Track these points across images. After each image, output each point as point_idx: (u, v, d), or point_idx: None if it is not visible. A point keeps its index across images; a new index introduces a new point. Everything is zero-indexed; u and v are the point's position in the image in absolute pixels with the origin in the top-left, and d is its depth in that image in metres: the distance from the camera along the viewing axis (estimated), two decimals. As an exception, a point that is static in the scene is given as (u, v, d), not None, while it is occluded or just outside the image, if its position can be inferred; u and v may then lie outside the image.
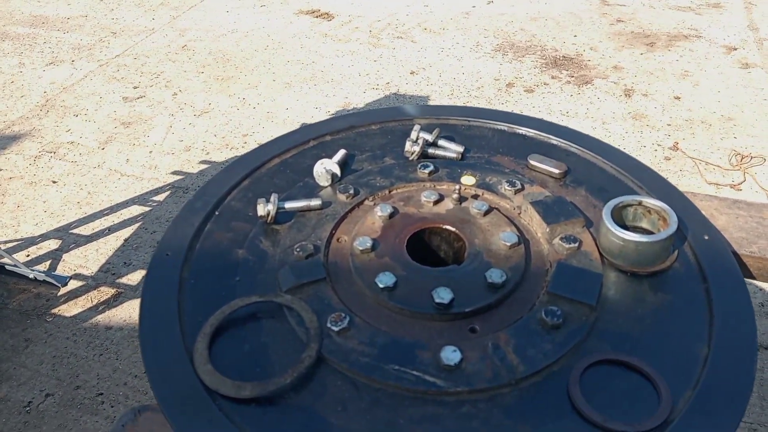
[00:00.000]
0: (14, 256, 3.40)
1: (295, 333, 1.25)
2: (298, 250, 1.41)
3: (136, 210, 3.93)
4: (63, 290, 3.33)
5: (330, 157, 1.70)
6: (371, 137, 1.86)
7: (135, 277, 3.43)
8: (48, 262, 3.55)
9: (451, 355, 1.15)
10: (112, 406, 2.77)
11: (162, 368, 1.18)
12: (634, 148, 4.32)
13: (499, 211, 1.53)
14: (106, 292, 3.34)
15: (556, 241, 1.42)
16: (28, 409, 2.78)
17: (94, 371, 2.93)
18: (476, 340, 1.21)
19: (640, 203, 1.44)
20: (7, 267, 3.27)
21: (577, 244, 1.40)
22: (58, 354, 3.01)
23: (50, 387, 2.86)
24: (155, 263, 1.41)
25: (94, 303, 3.29)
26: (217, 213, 1.57)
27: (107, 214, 3.90)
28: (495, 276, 1.30)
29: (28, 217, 3.86)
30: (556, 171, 1.67)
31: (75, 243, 3.68)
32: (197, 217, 1.54)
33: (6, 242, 3.67)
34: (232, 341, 1.24)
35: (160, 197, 4.03)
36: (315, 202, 1.54)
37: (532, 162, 1.70)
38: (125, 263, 3.51)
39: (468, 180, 1.64)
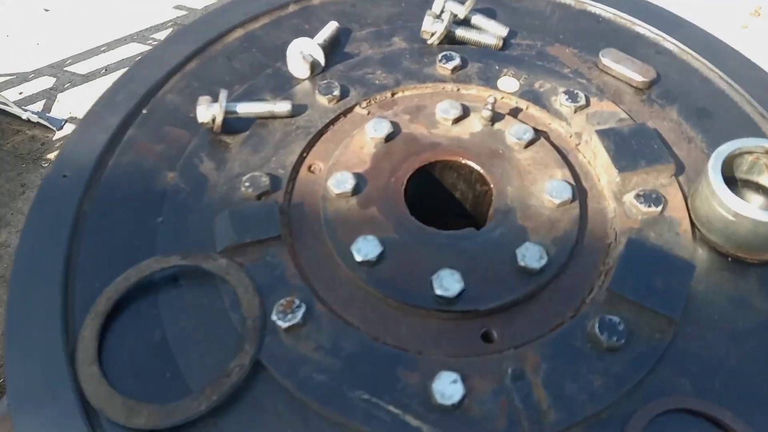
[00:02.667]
0: (6, 92, 3.05)
1: (230, 318, 0.86)
2: (247, 184, 0.97)
3: (134, 48, 3.45)
4: (58, 134, 2.99)
5: (314, 33, 1.18)
6: (377, 4, 1.30)
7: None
8: (42, 102, 3.19)
9: (449, 388, 0.76)
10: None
11: (26, 367, 0.82)
12: (701, 9, 3.50)
13: (547, 139, 1.04)
14: (102, 137, 3.01)
15: (630, 198, 0.95)
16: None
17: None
18: (490, 359, 0.81)
19: (767, 151, 0.94)
20: None
21: (660, 207, 0.94)
22: (55, 200, 2.78)
23: (48, 235, 2.67)
24: (44, 189, 0.99)
25: (90, 148, 2.97)
26: (144, 111, 1.11)
27: (104, 51, 3.44)
28: (530, 257, 0.86)
29: (20, 49, 3.42)
30: (640, 78, 1.14)
31: (70, 82, 3.27)
32: (115, 117, 1.08)
33: (-5, 76, 3.29)
34: (137, 325, 0.86)
35: (161, 35, 3.52)
36: (281, 107, 1.06)
37: (604, 60, 1.16)
38: (123, 105, 3.12)
39: (508, 84, 1.13)
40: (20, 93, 3.21)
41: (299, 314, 0.83)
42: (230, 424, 0.78)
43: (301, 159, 1.03)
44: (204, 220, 0.97)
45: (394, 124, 1.04)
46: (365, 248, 0.88)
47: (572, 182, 0.97)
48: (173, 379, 0.82)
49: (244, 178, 0.97)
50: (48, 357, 0.82)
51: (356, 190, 0.96)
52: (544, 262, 0.86)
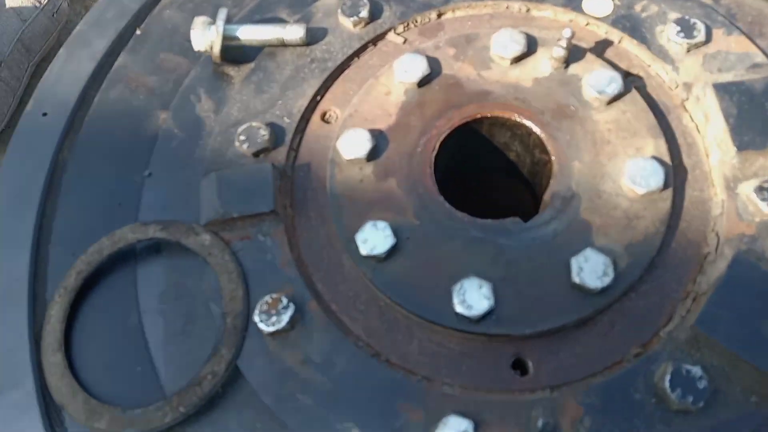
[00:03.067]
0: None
1: (210, 308, 0.73)
2: (242, 138, 0.78)
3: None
4: None
5: (345, -75, 0.91)
6: None
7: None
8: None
9: (456, 438, 0.60)
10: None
11: (-7, 345, 0.74)
12: None
13: (641, 91, 0.76)
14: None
15: (748, 189, 0.68)
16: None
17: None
18: (517, 400, 0.63)
19: None
20: None
21: (791, 209, 0.67)
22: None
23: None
24: (21, 132, 0.86)
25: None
26: (138, 32, 0.92)
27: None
28: (589, 271, 0.64)
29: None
30: (796, -1, 0.79)
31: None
32: (103, 40, 0.91)
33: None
34: (110, 306, 0.75)
35: None
36: (293, 33, 0.84)
37: (746, -30, 0.82)
38: None
39: (598, 4, 0.83)
40: None
41: (285, 317, 0.68)
42: (198, 439, 0.68)
43: (313, 103, 0.82)
44: (196, 177, 0.81)
45: (432, 61, 0.79)
46: (373, 239, 0.69)
47: (668, 161, 0.70)
48: (145, 374, 0.72)
49: (240, 130, 0.79)
50: (12, 337, 0.73)
51: (373, 155, 0.75)
52: (607, 280, 0.64)
